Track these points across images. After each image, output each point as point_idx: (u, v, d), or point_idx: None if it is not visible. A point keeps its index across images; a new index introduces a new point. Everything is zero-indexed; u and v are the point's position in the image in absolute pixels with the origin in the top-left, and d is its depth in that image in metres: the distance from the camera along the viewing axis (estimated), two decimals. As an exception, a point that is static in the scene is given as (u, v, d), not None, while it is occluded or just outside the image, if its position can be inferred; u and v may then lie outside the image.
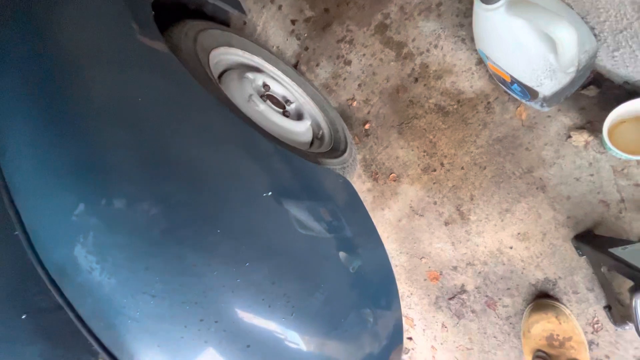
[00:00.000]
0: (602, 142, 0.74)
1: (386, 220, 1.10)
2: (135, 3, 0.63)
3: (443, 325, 1.02)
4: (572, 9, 0.61)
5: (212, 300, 0.42)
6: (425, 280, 1.04)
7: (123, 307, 0.41)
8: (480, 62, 0.91)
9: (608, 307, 0.74)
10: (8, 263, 0.43)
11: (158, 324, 0.41)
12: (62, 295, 0.42)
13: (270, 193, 0.51)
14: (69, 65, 0.48)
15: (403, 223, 1.07)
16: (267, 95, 0.94)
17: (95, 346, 0.43)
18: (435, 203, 1.00)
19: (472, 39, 0.92)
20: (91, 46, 0.50)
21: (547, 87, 0.66)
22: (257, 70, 1.00)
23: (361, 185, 1.16)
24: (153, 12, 0.64)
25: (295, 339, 0.47)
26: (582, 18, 0.61)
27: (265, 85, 0.97)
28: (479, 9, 0.61)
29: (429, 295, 1.04)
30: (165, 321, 0.41)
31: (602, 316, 0.77)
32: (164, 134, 0.46)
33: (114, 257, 0.40)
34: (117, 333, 0.42)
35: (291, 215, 0.53)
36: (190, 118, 0.50)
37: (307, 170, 0.63)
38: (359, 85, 1.16)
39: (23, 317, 0.41)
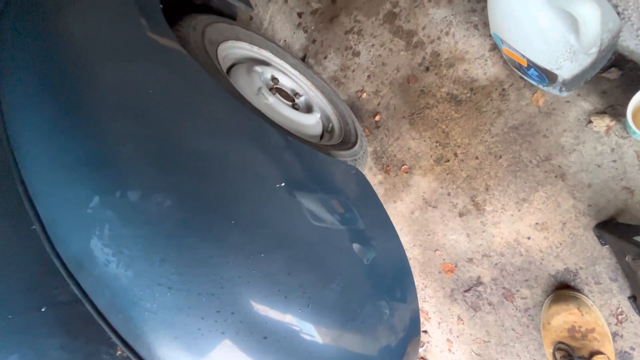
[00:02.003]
0: (625, 127, 0.71)
1: (398, 213, 1.09)
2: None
3: (459, 318, 1.01)
4: (594, -14, 0.58)
5: (229, 291, 0.42)
6: (439, 272, 1.03)
7: (140, 299, 0.41)
8: (494, 48, 0.88)
9: (633, 298, 0.72)
10: (27, 257, 0.43)
11: (175, 316, 0.41)
12: (79, 288, 0.42)
13: (283, 184, 0.50)
14: (81, 60, 0.48)
15: (416, 215, 1.05)
16: (276, 89, 0.93)
17: (113, 338, 0.43)
18: (449, 194, 0.98)
19: (485, 25, 0.89)
20: (102, 41, 0.50)
21: (566, 69, 0.64)
22: (265, 63, 0.99)
23: (372, 177, 1.14)
24: (161, 6, 0.64)
25: (311, 330, 0.46)
26: (605, -5, 0.58)
27: (274, 79, 0.96)
28: (494, -11, 0.59)
29: (443, 288, 1.03)
30: (182, 313, 0.41)
31: (627, 307, 0.75)
32: (176, 126, 0.46)
33: (130, 250, 0.40)
34: (135, 325, 0.42)
35: (304, 206, 0.52)
36: (202, 110, 0.50)
37: (319, 161, 0.62)
38: (368, 76, 1.14)
39: (43, 309, 0.41)
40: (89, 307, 0.42)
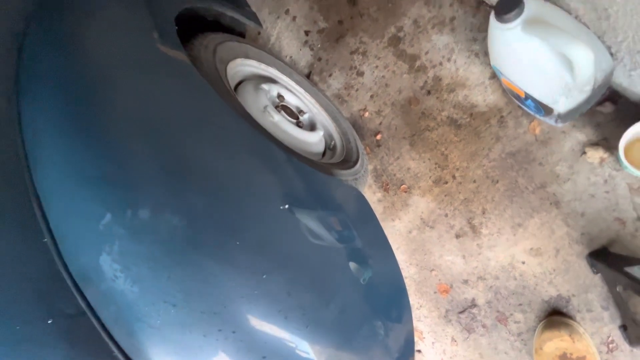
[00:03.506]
0: (618, 160, 0.73)
1: (396, 231, 1.10)
2: (159, 18, 0.65)
3: (453, 339, 1.01)
4: (589, 28, 0.61)
5: (231, 310, 0.43)
6: (435, 292, 1.04)
7: (144, 315, 0.42)
8: (494, 75, 0.92)
9: (623, 327, 0.73)
10: (36, 269, 0.44)
11: (177, 333, 0.43)
12: (86, 301, 0.44)
13: (287, 206, 0.52)
14: (98, 80, 0.50)
15: (413, 234, 1.07)
16: (281, 106, 0.96)
17: (116, 352, 0.44)
18: (446, 215, 1.00)
19: (486, 54, 0.92)
20: (119, 62, 0.52)
21: (562, 104, 0.67)
22: (271, 81, 1.02)
23: (371, 195, 1.16)
24: (176, 27, 0.66)
25: (309, 351, 0.47)
26: (599, 37, 0.61)
27: (279, 96, 0.99)
28: (495, 27, 0.62)
29: (438, 308, 1.04)
30: (185, 330, 0.42)
31: (617, 336, 0.76)
32: (187, 147, 0.48)
33: (138, 266, 0.42)
34: (138, 340, 0.43)
35: (306, 228, 0.54)
36: (212, 131, 0.52)
37: (321, 183, 0.64)
38: (371, 96, 1.17)
39: (49, 321, 0.42)
40: (94, 321, 0.44)
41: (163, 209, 0.43)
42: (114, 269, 0.42)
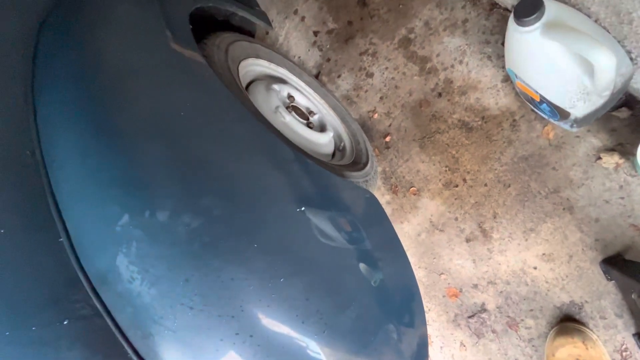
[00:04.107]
0: (633, 165, 0.72)
1: (405, 234, 1.10)
2: (174, 17, 0.65)
3: (462, 344, 1.01)
4: (609, 32, 0.61)
5: (248, 314, 0.43)
6: (444, 296, 1.03)
7: (161, 318, 0.42)
8: (507, 79, 0.91)
9: (638, 335, 0.72)
10: (52, 269, 0.44)
11: (194, 336, 0.42)
12: (102, 302, 0.43)
13: (303, 208, 0.51)
14: (114, 80, 0.50)
15: (422, 237, 1.06)
16: (291, 107, 0.95)
17: (131, 354, 0.44)
18: (456, 219, 0.99)
19: (499, 56, 0.92)
20: (136, 64, 0.52)
21: (579, 109, 0.66)
22: (282, 81, 1.01)
23: (380, 197, 1.16)
24: (191, 27, 0.66)
25: (325, 356, 0.47)
26: (619, 42, 0.61)
27: (290, 97, 0.98)
28: (513, 30, 0.61)
29: (447, 312, 1.03)
30: (202, 333, 0.42)
31: (631, 344, 0.75)
32: (205, 148, 0.47)
33: (155, 268, 0.41)
34: (154, 343, 0.43)
35: (322, 231, 0.53)
36: (229, 133, 0.51)
37: (336, 185, 0.64)
38: (381, 97, 1.16)
39: (65, 322, 0.42)
40: (109, 322, 0.43)
41: (181, 210, 0.43)
42: (131, 271, 0.41)
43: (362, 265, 0.58)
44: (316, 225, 0.53)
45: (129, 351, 0.43)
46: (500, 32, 0.93)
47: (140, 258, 0.41)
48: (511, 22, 0.61)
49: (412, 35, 1.09)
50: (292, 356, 0.45)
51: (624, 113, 0.75)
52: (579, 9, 0.62)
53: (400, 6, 1.12)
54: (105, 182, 0.43)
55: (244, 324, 0.42)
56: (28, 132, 0.47)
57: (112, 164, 0.43)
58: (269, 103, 0.86)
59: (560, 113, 0.71)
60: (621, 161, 0.74)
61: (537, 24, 0.57)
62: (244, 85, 0.90)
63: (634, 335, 0.73)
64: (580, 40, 0.52)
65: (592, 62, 0.53)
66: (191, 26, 0.68)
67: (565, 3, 0.63)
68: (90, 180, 0.44)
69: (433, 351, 1.08)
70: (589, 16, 0.62)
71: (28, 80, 0.51)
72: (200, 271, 0.42)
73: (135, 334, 0.43)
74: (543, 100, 0.71)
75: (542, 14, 0.56)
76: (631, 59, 0.62)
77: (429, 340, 1.08)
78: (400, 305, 0.63)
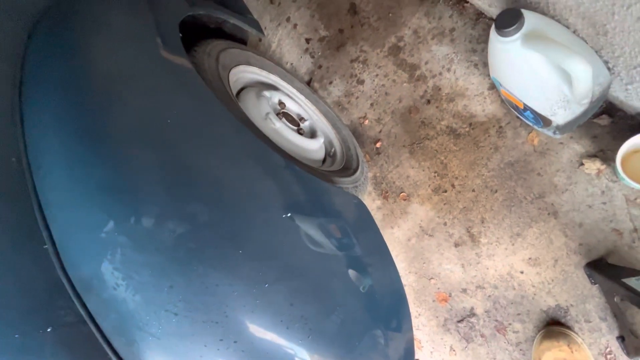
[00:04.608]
0: (614, 171, 0.74)
1: (395, 239, 1.10)
2: (163, 25, 0.66)
3: (451, 349, 1.01)
4: (587, 43, 0.63)
5: (232, 320, 0.43)
6: (433, 301, 1.04)
7: (145, 324, 0.42)
8: (493, 86, 0.93)
9: (621, 338, 0.73)
10: (36, 276, 0.44)
11: (178, 342, 0.42)
12: (86, 309, 0.43)
13: (289, 214, 0.52)
14: (102, 86, 0.50)
15: (412, 242, 1.07)
16: (282, 113, 0.96)
17: (115, 361, 0.44)
18: (445, 224, 1.00)
19: (485, 64, 0.94)
20: (124, 72, 0.52)
21: (560, 116, 0.68)
22: (273, 87, 1.02)
23: (371, 202, 1.17)
24: (181, 35, 0.67)
25: (310, 361, 0.47)
26: (596, 52, 0.63)
27: (280, 103, 0.99)
28: (495, 40, 0.63)
29: (437, 317, 1.03)
30: (186, 339, 0.42)
31: (615, 347, 0.76)
32: (191, 155, 0.48)
33: (140, 275, 0.42)
34: (138, 349, 0.43)
35: (308, 237, 0.54)
36: (215, 140, 0.52)
37: (323, 191, 0.64)
38: (371, 104, 1.18)
39: (49, 330, 0.42)
40: (93, 329, 0.43)
41: (166, 217, 0.43)
42: (115, 277, 0.42)
43: (348, 270, 0.59)
44: (303, 231, 0.53)
45: (113, 358, 0.43)
46: (486, 40, 0.95)
47: (125, 264, 0.42)
48: (493, 32, 0.63)
49: (401, 44, 1.11)
50: (276, 361, 0.45)
51: (604, 120, 0.77)
52: (558, 20, 0.64)
53: (390, 15, 1.14)
54: (90, 189, 0.43)
55: (228, 330, 0.43)
56: (14, 139, 0.48)
57: (98, 171, 0.44)
58: (259, 110, 0.87)
59: (543, 120, 0.73)
60: (603, 167, 0.76)
61: (517, 35, 0.59)
62: (235, 92, 0.91)
63: (617, 338, 0.74)
64: (557, 51, 0.54)
65: (569, 72, 0.55)
66: (181, 34, 0.68)
67: (545, 14, 0.65)
68: (76, 187, 0.44)
69: (423, 356, 1.09)
70: (567, 27, 0.64)
71: (16, 87, 0.51)
72: (184, 277, 0.42)
73: (119, 340, 0.43)
74: (526, 107, 0.73)
75: (522, 24, 0.58)
76: (608, 68, 0.64)
77: (419, 345, 1.08)
78: (386, 310, 0.64)
